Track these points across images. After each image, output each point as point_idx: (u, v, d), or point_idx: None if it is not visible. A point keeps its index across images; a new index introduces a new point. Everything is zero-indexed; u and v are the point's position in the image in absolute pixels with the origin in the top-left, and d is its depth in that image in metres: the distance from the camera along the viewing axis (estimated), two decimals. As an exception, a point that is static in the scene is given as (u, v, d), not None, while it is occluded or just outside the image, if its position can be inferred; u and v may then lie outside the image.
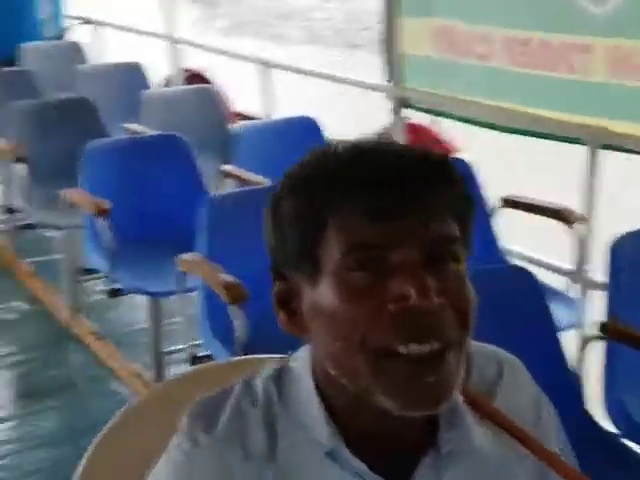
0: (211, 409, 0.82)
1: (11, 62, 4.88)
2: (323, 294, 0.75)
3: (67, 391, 2.92)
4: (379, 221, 0.73)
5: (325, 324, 0.75)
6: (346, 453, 0.78)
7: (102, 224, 2.64)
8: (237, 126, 3.73)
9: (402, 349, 0.72)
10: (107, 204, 2.65)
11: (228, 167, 3.14)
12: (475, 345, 0.86)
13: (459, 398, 0.81)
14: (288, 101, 4.35)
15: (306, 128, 3.42)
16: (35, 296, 3.57)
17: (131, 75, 4.50)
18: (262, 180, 2.91)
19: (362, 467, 0.78)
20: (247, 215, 2.35)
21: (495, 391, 0.86)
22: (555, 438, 0.90)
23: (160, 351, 2.79)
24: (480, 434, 0.83)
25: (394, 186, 0.74)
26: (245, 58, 4.43)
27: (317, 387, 0.81)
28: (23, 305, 3.51)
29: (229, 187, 3.13)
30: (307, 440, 0.79)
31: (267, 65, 4.07)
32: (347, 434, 0.79)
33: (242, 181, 3.03)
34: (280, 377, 0.84)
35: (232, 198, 2.55)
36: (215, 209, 2.35)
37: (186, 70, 4.76)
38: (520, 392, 0.88)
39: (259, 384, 0.83)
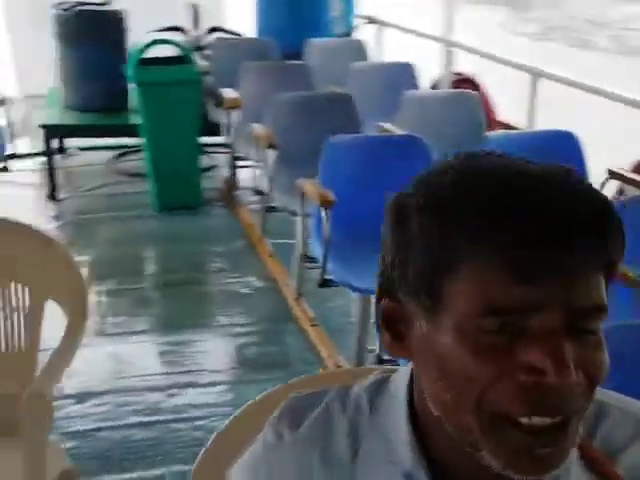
0: (302, 407, 0.82)
1: (299, 56, 5.21)
2: (442, 338, 0.68)
3: (279, 368, 3.06)
4: (525, 282, 0.65)
5: (438, 369, 0.69)
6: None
7: (324, 215, 2.72)
8: (493, 134, 3.63)
9: (524, 420, 0.67)
10: (331, 196, 2.73)
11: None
12: (616, 398, 0.80)
13: (574, 453, 0.73)
14: (557, 115, 4.13)
15: (566, 146, 3.21)
16: (269, 275, 3.79)
17: (401, 75, 4.56)
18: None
19: None
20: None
21: (621, 452, 0.77)
22: None
23: (363, 348, 2.82)
24: None
25: (552, 238, 0.64)
26: (514, 65, 4.28)
27: (411, 406, 0.76)
28: (258, 281, 3.75)
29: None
30: (388, 458, 0.76)
31: (536, 74, 3.90)
32: (433, 461, 0.75)
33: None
34: (377, 389, 0.81)
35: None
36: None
37: (456, 74, 4.73)
38: None
39: (355, 392, 0.81)
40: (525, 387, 0.66)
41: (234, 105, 4.14)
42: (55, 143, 5.40)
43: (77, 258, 4.10)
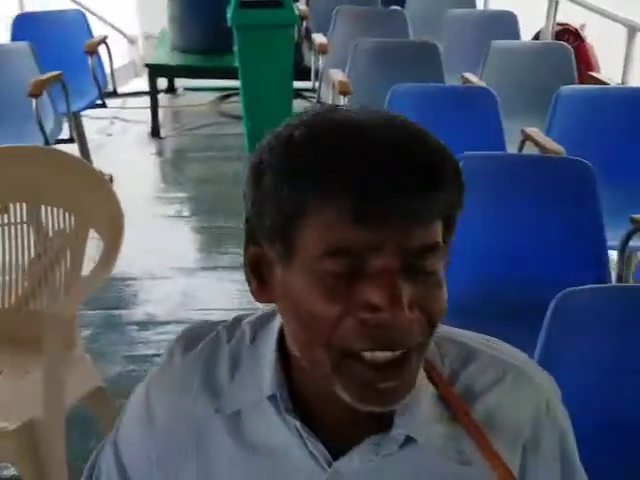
0: (197, 334, 0.89)
1: (403, 2, 5.13)
2: (295, 281, 0.73)
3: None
4: (362, 223, 0.69)
5: (293, 309, 0.75)
6: (287, 403, 0.80)
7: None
8: (567, 89, 3.44)
9: (367, 355, 0.72)
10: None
11: (531, 129, 2.96)
12: (492, 346, 0.85)
13: (428, 389, 0.80)
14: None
15: None
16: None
17: (501, 24, 4.41)
18: (560, 150, 2.71)
19: (296, 422, 0.80)
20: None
21: (479, 398, 0.82)
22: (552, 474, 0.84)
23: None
24: (436, 431, 0.80)
25: (386, 185, 0.68)
26: (613, 18, 4.03)
27: (284, 344, 0.82)
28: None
29: (529, 150, 2.96)
30: (257, 384, 0.82)
31: (635, 29, 3.67)
32: (299, 399, 0.81)
33: (541, 147, 2.85)
34: (262, 323, 0.86)
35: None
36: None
37: (560, 24, 4.52)
38: (516, 406, 0.82)
39: (244, 323, 0.87)
40: (365, 324, 0.70)
41: (322, 50, 4.16)
42: (165, 83, 5.62)
43: (169, 194, 4.37)
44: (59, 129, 3.77)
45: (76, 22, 4.43)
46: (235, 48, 4.83)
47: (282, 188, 0.71)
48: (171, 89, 5.84)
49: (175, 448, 0.85)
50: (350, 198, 0.68)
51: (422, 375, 0.79)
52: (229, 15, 4.55)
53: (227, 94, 5.78)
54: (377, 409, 0.75)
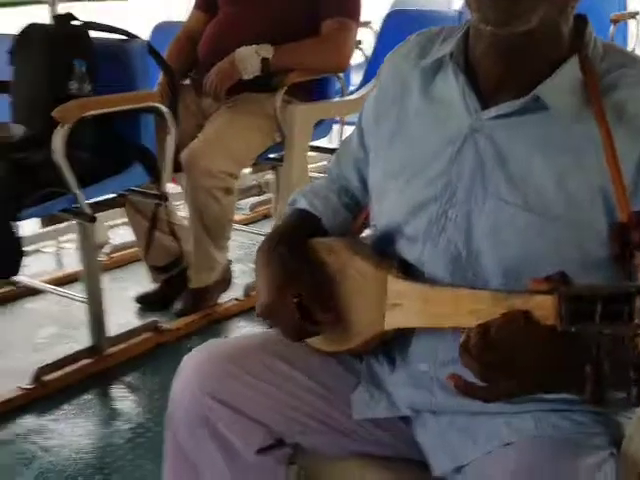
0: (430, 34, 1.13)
1: None
2: None
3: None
4: None
5: None
6: (459, 59, 1.02)
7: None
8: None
9: None
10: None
11: None
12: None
13: (578, 75, 0.95)
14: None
15: None
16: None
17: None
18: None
19: (461, 75, 1.01)
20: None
21: (619, 88, 0.94)
22: None
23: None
24: (570, 101, 0.94)
25: None
26: None
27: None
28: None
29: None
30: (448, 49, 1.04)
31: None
32: (471, 63, 1.02)
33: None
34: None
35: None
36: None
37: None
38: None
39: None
40: None
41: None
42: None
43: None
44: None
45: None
46: None
47: None
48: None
49: (387, 98, 1.13)
50: None
51: (575, 63, 0.95)
52: None
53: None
54: (497, 28, 0.91)
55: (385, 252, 1.09)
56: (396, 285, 1.03)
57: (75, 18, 2.35)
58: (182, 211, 2.83)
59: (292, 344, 1.13)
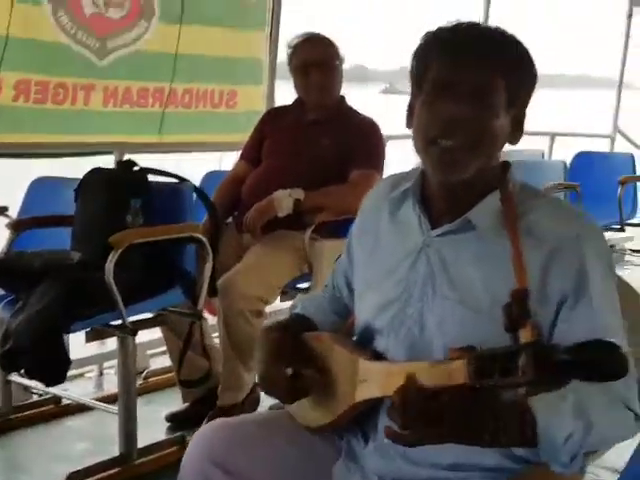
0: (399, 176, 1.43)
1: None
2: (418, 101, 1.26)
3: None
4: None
5: (415, 124, 1.27)
6: (417, 194, 1.31)
7: None
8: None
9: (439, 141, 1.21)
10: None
11: None
12: (565, 205, 1.33)
13: (497, 205, 1.23)
14: None
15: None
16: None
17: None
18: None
19: (417, 204, 1.31)
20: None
21: (530, 212, 1.22)
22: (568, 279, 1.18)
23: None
24: (492, 223, 1.23)
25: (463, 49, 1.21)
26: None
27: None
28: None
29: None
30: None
31: None
32: (425, 197, 1.32)
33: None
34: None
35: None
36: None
37: None
38: (552, 226, 1.20)
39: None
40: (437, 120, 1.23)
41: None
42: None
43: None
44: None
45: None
46: None
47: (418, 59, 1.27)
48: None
49: (367, 222, 1.42)
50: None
51: (497, 195, 1.23)
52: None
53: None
54: (442, 176, 1.23)
55: (362, 343, 1.34)
56: (365, 365, 1.26)
57: (135, 164, 2.74)
58: (215, 336, 3.06)
59: (288, 422, 1.37)
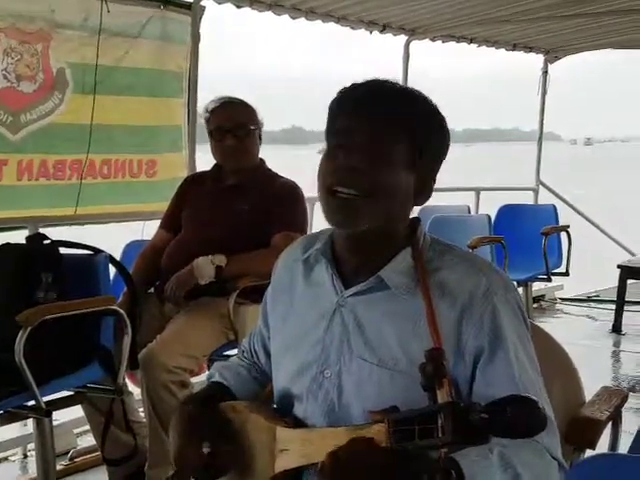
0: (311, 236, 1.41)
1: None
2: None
3: None
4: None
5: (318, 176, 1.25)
6: (328, 254, 1.29)
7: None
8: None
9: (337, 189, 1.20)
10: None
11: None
12: (474, 259, 1.25)
13: (410, 262, 1.22)
14: None
15: None
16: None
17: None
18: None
19: (329, 265, 1.28)
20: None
21: (441, 270, 1.20)
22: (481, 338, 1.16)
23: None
24: (405, 282, 1.20)
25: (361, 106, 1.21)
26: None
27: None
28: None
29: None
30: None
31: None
32: (335, 257, 1.29)
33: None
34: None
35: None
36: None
37: None
38: (462, 282, 1.18)
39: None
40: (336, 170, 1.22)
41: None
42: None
43: None
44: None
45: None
46: None
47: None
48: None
49: (280, 286, 1.39)
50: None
51: (408, 252, 1.22)
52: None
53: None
54: (340, 226, 1.23)
55: (281, 410, 1.28)
56: (283, 433, 1.19)
57: (46, 237, 2.64)
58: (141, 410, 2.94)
59: None
